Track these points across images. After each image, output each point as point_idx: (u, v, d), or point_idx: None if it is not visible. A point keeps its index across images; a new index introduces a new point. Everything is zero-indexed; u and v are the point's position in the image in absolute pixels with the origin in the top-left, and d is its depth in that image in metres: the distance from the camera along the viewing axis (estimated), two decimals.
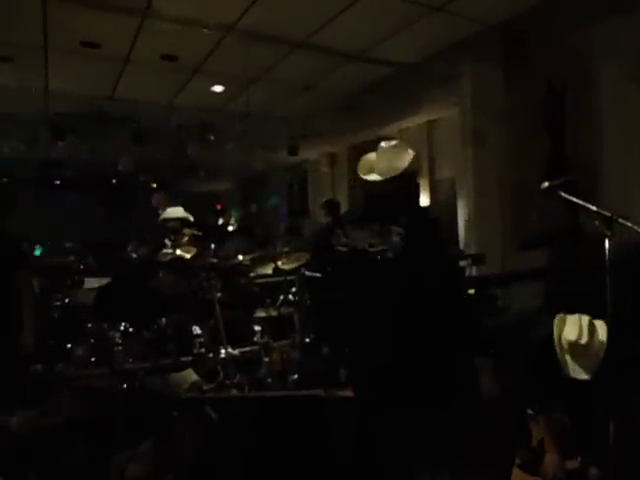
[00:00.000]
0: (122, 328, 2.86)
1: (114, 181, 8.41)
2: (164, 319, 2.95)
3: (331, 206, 5.78)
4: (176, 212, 4.65)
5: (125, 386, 2.82)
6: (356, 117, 6.95)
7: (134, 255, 4.95)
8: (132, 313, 3.07)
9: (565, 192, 2.33)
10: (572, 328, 2.00)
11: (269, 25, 4.40)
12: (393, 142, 2.14)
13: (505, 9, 4.23)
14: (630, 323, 3.22)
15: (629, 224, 1.95)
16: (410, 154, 2.11)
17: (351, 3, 3.99)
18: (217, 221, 11.26)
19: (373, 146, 8.11)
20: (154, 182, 8.20)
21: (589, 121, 4.21)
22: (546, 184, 2.34)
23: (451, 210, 6.21)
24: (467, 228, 5.40)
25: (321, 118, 7.14)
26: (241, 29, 4.45)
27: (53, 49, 4.72)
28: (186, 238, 3.93)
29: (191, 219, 4.37)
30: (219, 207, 11.59)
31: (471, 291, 4.35)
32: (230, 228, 10.65)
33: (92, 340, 2.80)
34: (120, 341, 2.80)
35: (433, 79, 5.47)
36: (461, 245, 5.21)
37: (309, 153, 9.03)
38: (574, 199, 2.12)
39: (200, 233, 3.90)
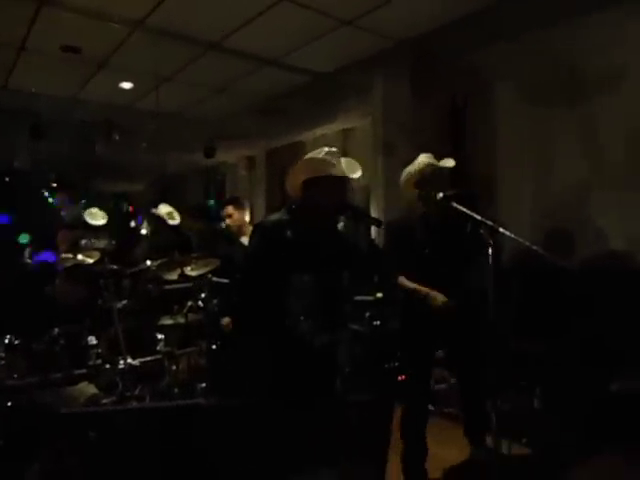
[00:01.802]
0: (7, 341, 2.62)
1: (7, 179, 7.66)
2: (56, 329, 2.75)
3: None
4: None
5: (9, 403, 2.59)
6: (274, 122, 6.97)
7: (29, 260, 4.58)
8: (21, 324, 2.83)
9: (458, 202, 2.51)
10: None
11: (181, 23, 4.29)
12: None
13: (412, 27, 4.46)
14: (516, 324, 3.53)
15: (507, 232, 2.14)
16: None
17: (264, 10, 4.00)
18: (129, 224, 10.74)
19: (291, 150, 8.16)
20: (55, 181, 7.60)
21: (486, 136, 4.56)
22: (440, 194, 2.51)
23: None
24: (378, 234, 5.61)
25: (238, 121, 7.07)
26: (151, 25, 4.29)
27: None
28: None
29: None
30: (131, 209, 11.06)
31: (379, 295, 4.53)
32: (143, 231, 10.19)
33: None
34: (3, 355, 2.57)
35: (347, 89, 5.63)
36: None
37: (227, 156, 8.90)
38: (462, 209, 2.29)
39: None
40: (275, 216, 2.15)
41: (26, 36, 4.39)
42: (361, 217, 2.24)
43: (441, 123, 4.98)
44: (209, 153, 7.46)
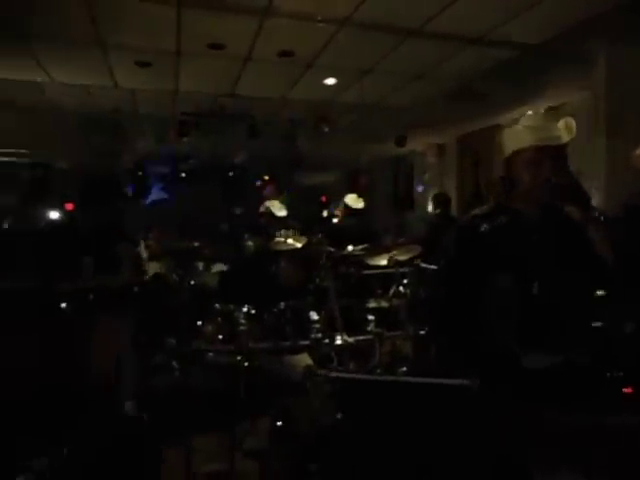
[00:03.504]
0: (245, 310, 3.07)
1: (231, 174, 9.02)
2: (283, 304, 3.11)
3: (440, 199, 5.85)
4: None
5: (246, 364, 3.02)
6: (469, 105, 6.68)
7: (250, 243, 5.27)
8: (253, 297, 3.27)
9: None
10: None
11: (385, 15, 4.37)
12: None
13: None
14: None
15: None
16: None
17: None
18: (322, 213, 11.54)
19: (485, 135, 7.78)
20: (266, 175, 8.62)
21: None
22: None
23: None
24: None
25: (430, 108, 6.97)
26: (356, 21, 4.47)
27: (184, 53, 5.15)
28: None
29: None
30: (324, 199, 11.88)
31: (599, 292, 3.99)
32: (335, 220, 10.81)
33: (219, 319, 3.05)
34: (244, 322, 3.01)
35: (559, 61, 5.07)
36: None
37: (415, 144, 8.89)
38: None
39: None
40: (478, 210, 1.79)
41: (251, 47, 5.02)
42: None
43: None
44: (400, 142, 7.56)
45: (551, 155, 1.60)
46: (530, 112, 1.77)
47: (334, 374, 1.63)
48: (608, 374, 3.95)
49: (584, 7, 4.19)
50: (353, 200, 5.44)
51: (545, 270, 1.60)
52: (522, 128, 1.67)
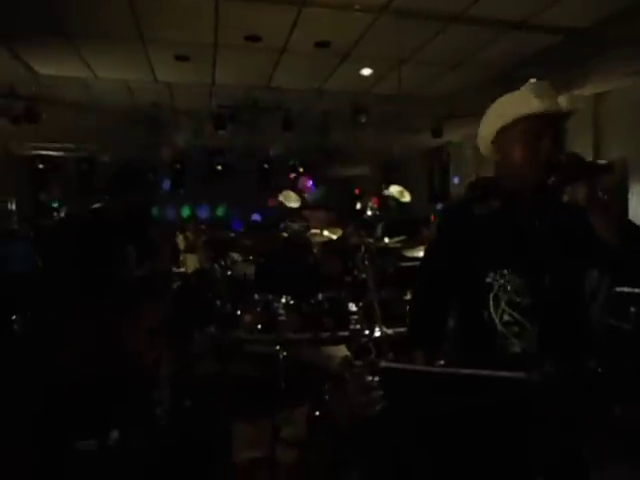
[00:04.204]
0: (284, 300, 3.09)
1: (266, 166, 9.10)
2: (321, 294, 3.12)
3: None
4: None
5: (285, 354, 3.05)
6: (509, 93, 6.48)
7: (285, 234, 5.30)
8: (291, 287, 3.29)
9: None
10: None
11: (424, 0, 4.27)
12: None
13: None
14: None
15: None
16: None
17: None
18: (355, 205, 11.48)
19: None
20: (301, 167, 8.65)
21: None
22: None
23: (621, 195, 5.55)
24: None
25: (470, 97, 6.80)
26: (395, 8, 4.38)
27: (222, 46, 5.19)
28: None
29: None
30: (357, 192, 11.83)
31: None
32: (368, 213, 10.76)
33: (259, 309, 3.09)
34: (283, 312, 3.03)
35: (606, 46, 4.84)
36: None
37: (452, 135, 8.70)
38: None
39: None
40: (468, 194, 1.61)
41: (287, 39, 5.01)
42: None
43: None
44: (436, 133, 7.42)
45: (554, 126, 1.38)
46: (533, 80, 1.51)
47: (384, 364, 1.58)
48: None
49: None
50: (399, 192, 5.21)
51: (541, 261, 1.41)
52: (524, 93, 1.42)
